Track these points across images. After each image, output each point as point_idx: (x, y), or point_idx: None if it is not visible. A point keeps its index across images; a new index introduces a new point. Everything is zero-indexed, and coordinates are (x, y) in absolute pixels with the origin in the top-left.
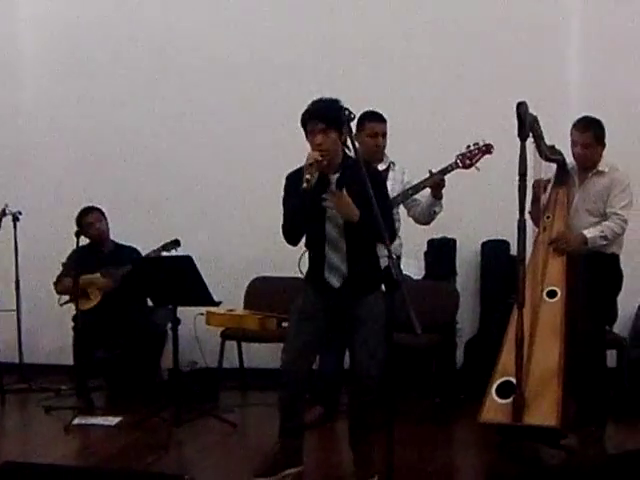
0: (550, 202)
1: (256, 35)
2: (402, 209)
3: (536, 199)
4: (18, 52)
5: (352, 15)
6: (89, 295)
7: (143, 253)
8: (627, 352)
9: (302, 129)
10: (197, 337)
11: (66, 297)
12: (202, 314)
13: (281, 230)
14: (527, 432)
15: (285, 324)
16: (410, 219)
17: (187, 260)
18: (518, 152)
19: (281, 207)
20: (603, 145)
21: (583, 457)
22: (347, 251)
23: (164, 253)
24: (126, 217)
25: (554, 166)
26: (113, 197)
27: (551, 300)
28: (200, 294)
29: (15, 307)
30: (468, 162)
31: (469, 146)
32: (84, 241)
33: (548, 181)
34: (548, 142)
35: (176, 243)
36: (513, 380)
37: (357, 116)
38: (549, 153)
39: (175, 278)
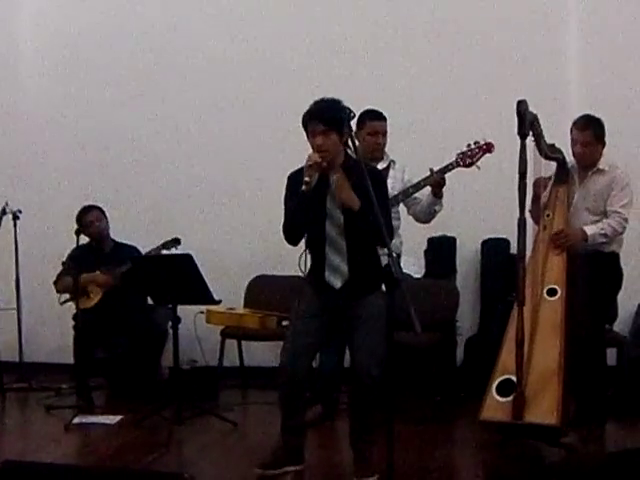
0: (550, 200)
1: (256, 35)
2: (402, 207)
3: (536, 198)
4: (18, 52)
5: (352, 15)
6: (89, 294)
7: (143, 251)
8: (627, 350)
9: (303, 130)
10: (197, 336)
11: (66, 296)
12: (202, 313)
13: (282, 230)
14: (527, 430)
15: (285, 323)
16: (410, 217)
17: (187, 258)
18: (518, 150)
19: (281, 206)
20: (603, 144)
21: (583, 455)
22: (348, 251)
23: (164, 251)
24: (126, 216)
25: (554, 165)
26: (113, 195)
27: (551, 298)
28: (200, 293)
29: (15, 306)
30: (469, 161)
31: (469, 145)
32: (84, 240)
33: (549, 179)
34: (548, 141)
35: (176, 241)
36: (513, 378)
37: (357, 115)
38: (549, 151)
39: (175, 276)
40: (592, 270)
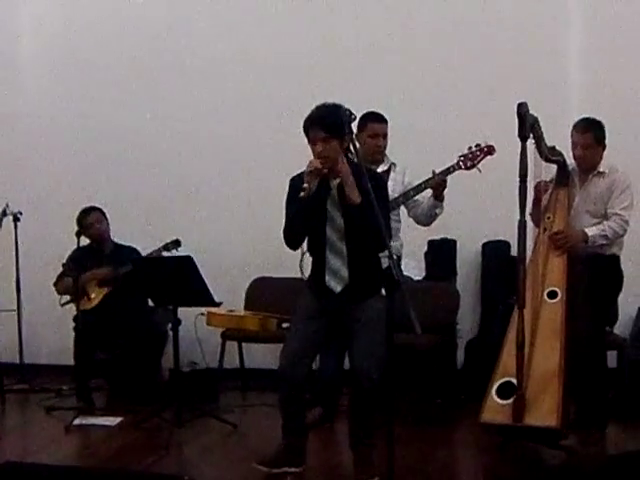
0: (551, 203)
1: (256, 36)
2: (403, 209)
3: (537, 201)
4: (18, 52)
5: (353, 15)
6: (90, 295)
7: (143, 253)
8: (627, 353)
9: (304, 135)
10: (198, 337)
11: (67, 297)
12: (203, 314)
13: (282, 234)
14: (527, 433)
15: (285, 325)
16: (411, 220)
17: (188, 260)
18: (519, 153)
19: (282, 208)
20: (603, 146)
21: (583, 458)
22: (348, 255)
23: (165, 253)
24: (126, 217)
25: (554, 167)
26: (113, 197)
27: (552, 301)
28: (201, 294)
29: (16, 307)
30: (470, 163)
31: (471, 147)
32: (84, 241)
33: (550, 182)
34: (549, 143)
35: (177, 243)
36: (514, 381)
37: (358, 117)
38: (549, 154)
39: (176, 278)
40: (592, 273)
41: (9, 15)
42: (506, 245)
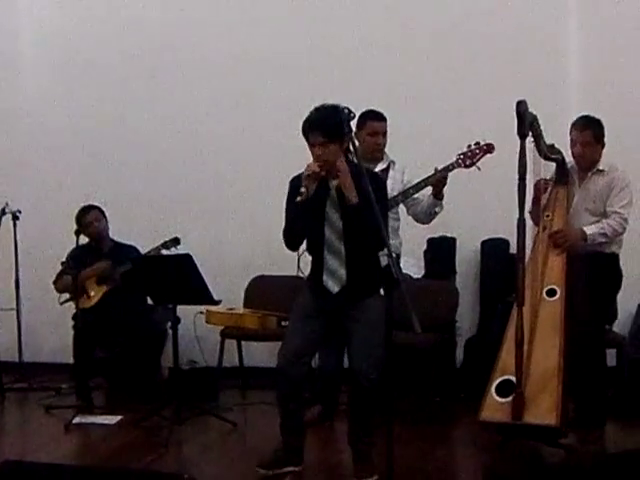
0: (550, 201)
1: (256, 35)
2: (402, 208)
3: (536, 199)
4: (18, 52)
5: (352, 14)
6: (89, 294)
7: (143, 251)
8: (627, 351)
9: (303, 137)
10: (197, 336)
11: (66, 296)
12: (202, 313)
13: (282, 234)
14: (527, 431)
15: (285, 323)
16: (410, 218)
17: (187, 258)
18: (517, 151)
19: (281, 206)
20: (602, 144)
21: (582, 456)
22: (346, 256)
23: (164, 251)
24: (126, 215)
25: (553, 165)
26: (112, 196)
27: (551, 299)
28: (200, 293)
29: (15, 306)
30: (469, 161)
31: (470, 145)
32: (84, 240)
33: (550, 180)
34: (548, 141)
35: (176, 241)
36: (513, 379)
37: (357, 115)
38: (549, 152)
39: (175, 277)
40: (592, 271)
41: (9, 15)
42: (505, 243)
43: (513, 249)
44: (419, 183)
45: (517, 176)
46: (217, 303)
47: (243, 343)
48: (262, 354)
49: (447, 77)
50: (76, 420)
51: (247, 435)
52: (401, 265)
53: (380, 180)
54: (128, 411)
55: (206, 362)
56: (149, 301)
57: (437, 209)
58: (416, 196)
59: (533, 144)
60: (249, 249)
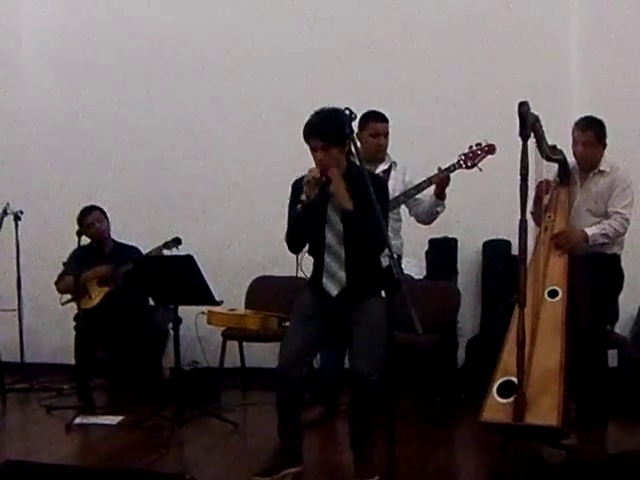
0: (552, 202)
1: (256, 35)
2: (404, 208)
3: (538, 199)
4: (18, 52)
5: (353, 14)
6: (91, 294)
7: (144, 252)
8: (628, 352)
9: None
10: (198, 336)
11: (68, 296)
12: (203, 313)
13: (285, 237)
14: (528, 432)
15: (286, 324)
16: (412, 218)
17: (189, 259)
18: (519, 152)
19: (283, 206)
20: (604, 145)
21: (584, 457)
22: (346, 259)
23: (165, 251)
24: (127, 216)
25: (555, 166)
26: (114, 196)
27: (552, 300)
28: (201, 293)
29: (17, 306)
30: (470, 162)
31: (471, 146)
32: (85, 240)
33: (553, 182)
34: (549, 142)
35: (177, 241)
36: (514, 379)
37: (359, 116)
38: (550, 153)
39: (176, 277)
40: (593, 272)
41: (9, 15)
42: (507, 244)
43: (515, 250)
44: (421, 183)
45: (519, 177)
46: (218, 304)
47: (244, 344)
48: (263, 355)
49: (448, 78)
50: (77, 420)
51: (248, 436)
52: (402, 266)
53: (382, 181)
54: (129, 412)
55: (207, 363)
56: (150, 302)
57: (439, 209)
58: (418, 196)
59: (535, 145)
60: (251, 250)
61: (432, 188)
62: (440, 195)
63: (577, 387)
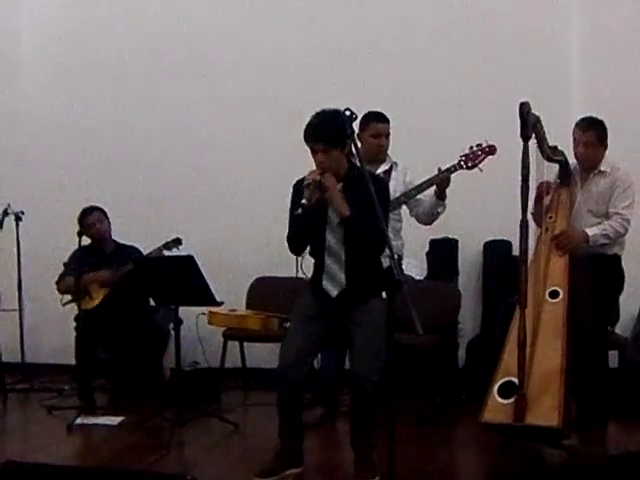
0: (552, 202)
1: (256, 35)
2: (404, 209)
3: (539, 200)
4: (18, 52)
5: (354, 15)
6: (91, 295)
7: (144, 252)
8: (629, 353)
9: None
10: (199, 337)
11: (68, 297)
12: (204, 314)
13: (286, 239)
14: (529, 432)
15: (287, 324)
16: (412, 219)
17: (189, 260)
18: (520, 152)
19: (283, 207)
20: (605, 146)
21: (585, 458)
22: (346, 260)
23: (165, 252)
24: (127, 216)
25: (556, 167)
26: (114, 196)
27: (553, 300)
28: (202, 294)
29: (17, 307)
30: (471, 163)
31: (472, 147)
32: (86, 241)
33: (554, 183)
34: (550, 143)
35: (177, 242)
36: (515, 380)
37: (360, 116)
38: (551, 154)
39: (177, 278)
40: (594, 272)
41: (9, 15)
42: (508, 245)
43: (516, 251)
44: (422, 184)
45: (520, 177)
46: (219, 304)
47: (245, 344)
48: (264, 355)
49: (449, 78)
50: (78, 421)
51: (249, 436)
52: (403, 266)
53: (382, 182)
54: (130, 412)
55: (208, 363)
56: (151, 302)
57: (440, 209)
58: (419, 197)
59: (536, 146)
60: (251, 250)
61: (433, 189)
62: (441, 196)
63: (578, 388)
